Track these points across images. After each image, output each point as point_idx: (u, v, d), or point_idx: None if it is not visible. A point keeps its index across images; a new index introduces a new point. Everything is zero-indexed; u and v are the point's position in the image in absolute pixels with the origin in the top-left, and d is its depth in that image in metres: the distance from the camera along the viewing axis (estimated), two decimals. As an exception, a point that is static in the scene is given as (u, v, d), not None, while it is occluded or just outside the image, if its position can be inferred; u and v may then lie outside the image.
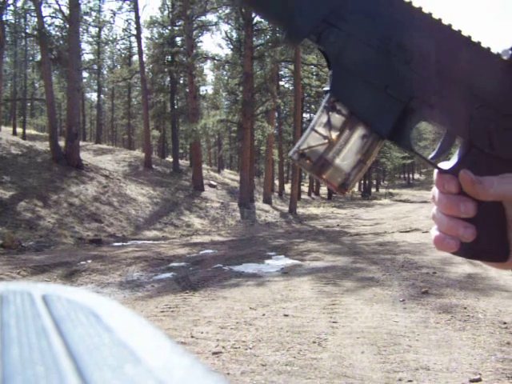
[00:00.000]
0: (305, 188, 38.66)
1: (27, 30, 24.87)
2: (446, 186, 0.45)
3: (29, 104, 36.15)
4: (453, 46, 0.44)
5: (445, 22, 0.44)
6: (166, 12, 28.43)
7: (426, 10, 0.44)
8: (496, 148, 0.44)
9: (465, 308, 4.84)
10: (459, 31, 0.44)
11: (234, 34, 26.67)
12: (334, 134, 0.45)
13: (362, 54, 0.45)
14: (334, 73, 0.46)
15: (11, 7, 20.25)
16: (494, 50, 0.44)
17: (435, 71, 0.44)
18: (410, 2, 0.44)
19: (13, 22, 23.19)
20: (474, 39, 0.44)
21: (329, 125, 0.45)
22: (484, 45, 0.44)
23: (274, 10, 0.47)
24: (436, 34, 0.44)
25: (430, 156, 0.48)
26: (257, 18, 22.52)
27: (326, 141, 0.45)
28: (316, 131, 0.46)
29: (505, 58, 0.44)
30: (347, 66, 0.45)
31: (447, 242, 0.45)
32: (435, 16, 0.44)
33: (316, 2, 0.45)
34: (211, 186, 23.17)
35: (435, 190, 0.47)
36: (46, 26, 18.10)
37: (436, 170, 0.46)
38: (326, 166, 0.46)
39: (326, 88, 0.46)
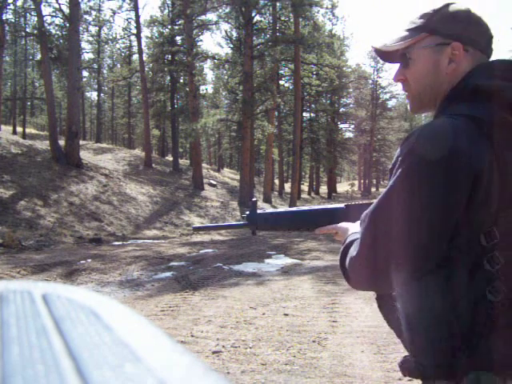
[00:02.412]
0: (305, 187, 38.66)
1: (27, 29, 24.81)
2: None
3: (29, 103, 36.12)
4: None
5: None
6: (166, 11, 28.40)
7: None
8: None
9: (465, 307, 4.84)
10: None
11: (234, 33, 26.66)
12: None
13: None
14: None
15: (11, 6, 20.23)
16: None
17: None
18: None
19: (13, 21, 23.13)
20: None
21: None
22: None
23: None
24: None
25: None
26: (257, 17, 22.53)
27: None
28: None
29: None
30: None
31: None
32: None
33: None
34: (211, 185, 23.16)
35: None
36: (45, 25, 18.06)
37: None
38: None
39: None
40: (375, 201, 0.92)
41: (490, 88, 0.91)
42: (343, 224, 1.20)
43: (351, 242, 1.00)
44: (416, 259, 0.87)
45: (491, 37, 1.00)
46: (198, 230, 1.50)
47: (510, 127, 0.89)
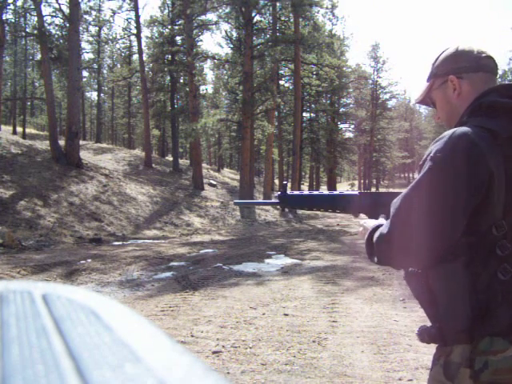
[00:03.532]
0: (305, 187, 38.66)
1: (27, 29, 24.80)
2: None
3: (29, 103, 36.10)
4: None
5: None
6: (166, 11, 28.37)
7: None
8: None
9: (465, 307, 4.83)
10: None
11: (234, 33, 26.63)
12: None
13: None
14: None
15: (11, 6, 20.21)
16: None
17: None
18: None
19: (13, 21, 23.11)
20: None
21: None
22: None
23: None
24: None
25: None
26: (257, 17, 22.53)
27: None
28: None
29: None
30: None
31: None
32: None
33: None
34: (211, 185, 23.15)
35: None
36: (45, 25, 18.05)
37: None
38: None
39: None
40: (406, 189, 1.11)
41: (503, 105, 1.12)
42: (366, 222, 1.39)
43: (374, 230, 1.20)
44: (435, 241, 1.05)
45: (481, 56, 1.21)
46: (238, 204, 1.82)
47: None
